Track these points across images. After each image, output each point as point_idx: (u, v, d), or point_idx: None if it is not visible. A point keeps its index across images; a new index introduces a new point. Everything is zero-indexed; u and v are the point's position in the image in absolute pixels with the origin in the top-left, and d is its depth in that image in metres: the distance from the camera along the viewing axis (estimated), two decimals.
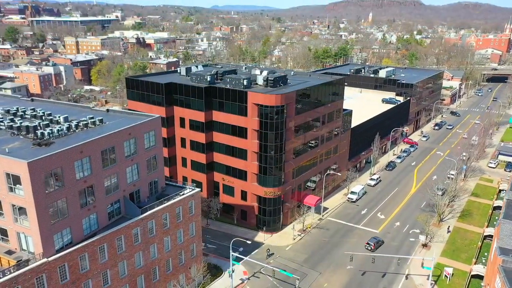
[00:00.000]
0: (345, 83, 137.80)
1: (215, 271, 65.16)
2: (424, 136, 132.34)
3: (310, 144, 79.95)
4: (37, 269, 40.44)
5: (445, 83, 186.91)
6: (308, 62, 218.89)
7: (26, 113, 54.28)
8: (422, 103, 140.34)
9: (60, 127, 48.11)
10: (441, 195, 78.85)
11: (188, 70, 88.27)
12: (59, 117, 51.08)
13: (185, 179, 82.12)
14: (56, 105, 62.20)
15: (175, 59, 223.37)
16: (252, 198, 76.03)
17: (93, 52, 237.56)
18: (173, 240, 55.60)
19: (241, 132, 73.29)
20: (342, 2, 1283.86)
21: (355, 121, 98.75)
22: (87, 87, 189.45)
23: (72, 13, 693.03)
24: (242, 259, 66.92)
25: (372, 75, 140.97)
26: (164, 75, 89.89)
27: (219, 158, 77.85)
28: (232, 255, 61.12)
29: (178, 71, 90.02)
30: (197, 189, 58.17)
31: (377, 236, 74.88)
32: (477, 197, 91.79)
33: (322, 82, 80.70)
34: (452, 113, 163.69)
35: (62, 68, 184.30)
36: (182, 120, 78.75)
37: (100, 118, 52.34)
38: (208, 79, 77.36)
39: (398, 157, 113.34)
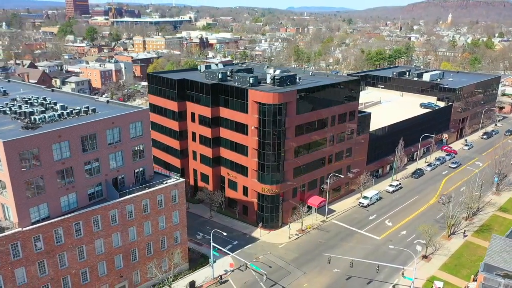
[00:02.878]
0: (381, 86, 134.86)
1: (202, 260, 67.82)
2: (466, 145, 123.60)
3: (315, 145, 79.31)
4: (11, 237, 45.99)
5: (508, 90, 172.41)
6: (361, 64, 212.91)
7: (36, 100, 61.17)
8: (469, 110, 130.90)
9: (53, 113, 53.86)
10: (451, 207, 73.94)
11: (208, 67, 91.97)
12: (56, 105, 57.01)
13: (195, 171, 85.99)
14: (69, 96, 68.91)
15: (228, 59, 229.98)
16: (252, 194, 77.52)
17: (154, 51, 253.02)
18: (154, 225, 59.10)
19: (243, 128, 75.14)
20: (422, 3, 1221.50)
21: (385, 125, 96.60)
22: (144, 83, 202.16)
23: (152, 14, 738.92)
24: (233, 252, 69.66)
25: (415, 79, 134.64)
26: (185, 72, 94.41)
27: (225, 153, 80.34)
28: (214, 246, 63.47)
29: (199, 68, 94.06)
30: (181, 179, 61.23)
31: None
32: (505, 212, 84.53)
33: (330, 83, 79.69)
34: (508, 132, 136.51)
35: (122, 65, 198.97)
36: (193, 115, 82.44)
37: (93, 107, 57.53)
38: (220, 76, 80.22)
39: (429, 165, 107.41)
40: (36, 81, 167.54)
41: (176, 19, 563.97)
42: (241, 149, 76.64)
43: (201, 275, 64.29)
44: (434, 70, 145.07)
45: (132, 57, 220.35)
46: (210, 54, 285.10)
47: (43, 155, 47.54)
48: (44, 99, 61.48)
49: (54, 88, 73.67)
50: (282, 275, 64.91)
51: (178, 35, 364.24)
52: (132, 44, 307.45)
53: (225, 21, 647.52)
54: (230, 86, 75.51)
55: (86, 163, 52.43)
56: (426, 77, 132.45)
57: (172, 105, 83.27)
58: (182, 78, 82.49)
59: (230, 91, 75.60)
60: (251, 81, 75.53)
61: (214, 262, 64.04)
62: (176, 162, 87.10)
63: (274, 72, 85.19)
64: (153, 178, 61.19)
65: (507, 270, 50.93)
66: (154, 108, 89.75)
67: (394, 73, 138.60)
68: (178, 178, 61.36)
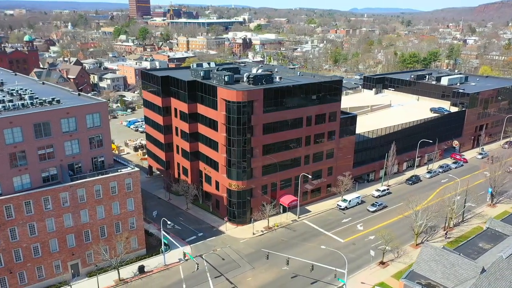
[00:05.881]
0: (391, 89, 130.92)
1: (166, 248, 71.11)
2: (480, 154, 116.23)
3: (288, 144, 79.59)
4: None
5: None
6: (393, 66, 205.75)
7: (17, 91, 68.04)
8: (489, 117, 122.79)
9: (17, 103, 60.10)
10: (420, 214, 71.02)
11: (199, 66, 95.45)
12: (26, 95, 63.41)
13: (178, 165, 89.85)
14: (52, 88, 75.83)
15: (260, 59, 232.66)
16: (223, 189, 79.70)
17: (192, 50, 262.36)
18: (107, 210, 63.38)
19: (214, 124, 77.61)
20: (494, 4, 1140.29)
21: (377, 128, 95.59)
22: None
23: (210, 15, 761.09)
24: (195, 243, 72.89)
25: (433, 82, 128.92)
26: (180, 70, 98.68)
27: (202, 148, 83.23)
28: (164, 234, 66.68)
29: (191, 67, 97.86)
30: (136, 169, 65.08)
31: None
32: None
33: (304, 83, 79.55)
34: None
35: (157, 63, 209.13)
36: (175, 110, 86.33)
37: (58, 99, 63.16)
38: (201, 74, 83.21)
39: (428, 172, 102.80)
40: (74, 77, 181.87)
41: (227, 20, 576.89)
42: (214, 145, 79.15)
43: (155, 261, 67.72)
44: (456, 74, 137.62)
45: (168, 56, 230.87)
46: (250, 54, 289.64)
47: None
48: (25, 90, 68.58)
49: (44, 82, 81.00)
50: (231, 267, 66.63)
51: (225, 35, 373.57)
52: (177, 44, 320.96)
53: (279, 23, 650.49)
54: (203, 84, 78.33)
55: (40, 148, 57.86)
56: (445, 81, 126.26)
57: (158, 101, 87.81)
58: (167, 75, 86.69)
59: (203, 89, 78.43)
60: (226, 79, 77.51)
61: (167, 250, 67.27)
62: (162, 155, 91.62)
63: (257, 71, 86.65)
64: (112, 167, 65.68)
65: (431, 280, 49.08)
66: (146, 103, 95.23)
67: (412, 76, 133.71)
68: (133, 167, 65.33)
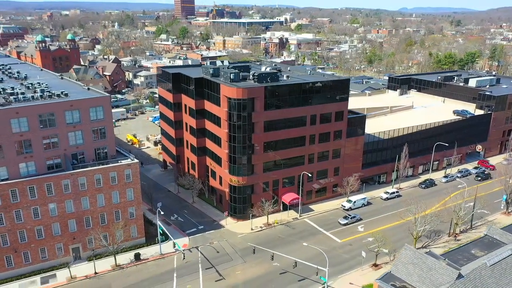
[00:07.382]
0: (414, 90, 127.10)
1: (162, 238, 73.86)
2: (506, 160, 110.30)
3: (290, 142, 79.80)
4: None
5: None
6: (427, 67, 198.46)
7: (33, 85, 73.27)
8: None
9: (27, 94, 64.90)
10: (420, 218, 69.01)
11: (212, 64, 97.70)
12: (39, 89, 68.25)
13: (188, 159, 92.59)
14: (68, 83, 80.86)
15: (292, 59, 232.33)
16: (225, 184, 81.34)
17: (226, 49, 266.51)
18: (107, 198, 66.82)
19: (218, 121, 79.39)
20: None
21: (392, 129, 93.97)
22: None
23: (253, 15, 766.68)
24: (194, 235, 75.23)
25: (461, 84, 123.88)
26: (191, 68, 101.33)
27: (208, 144, 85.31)
28: (160, 225, 69.26)
29: (204, 64, 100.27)
30: (135, 161, 68.09)
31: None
32: None
33: (307, 81, 79.38)
34: None
35: (189, 62, 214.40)
36: (185, 107, 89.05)
37: (66, 92, 67.43)
38: (211, 71, 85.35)
39: (445, 176, 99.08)
40: (110, 74, 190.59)
41: (268, 20, 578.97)
42: (218, 141, 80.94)
43: (152, 250, 70.50)
44: (487, 76, 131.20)
45: (201, 55, 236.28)
46: (285, 54, 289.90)
47: (2, 127, 58.12)
48: (40, 84, 73.78)
49: (63, 76, 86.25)
50: (223, 260, 68.11)
51: (263, 35, 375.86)
52: (214, 43, 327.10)
53: (321, 22, 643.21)
54: (209, 81, 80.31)
55: (45, 138, 62.10)
56: (473, 83, 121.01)
57: (169, 97, 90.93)
58: (178, 72, 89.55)
59: (209, 85, 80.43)
60: (232, 77, 79.07)
61: (165, 240, 69.87)
62: (173, 149, 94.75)
63: (265, 69, 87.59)
64: (115, 158, 69.13)
65: (406, 282, 48.08)
66: (161, 100, 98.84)
67: (439, 78, 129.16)
68: (133, 159, 68.40)
